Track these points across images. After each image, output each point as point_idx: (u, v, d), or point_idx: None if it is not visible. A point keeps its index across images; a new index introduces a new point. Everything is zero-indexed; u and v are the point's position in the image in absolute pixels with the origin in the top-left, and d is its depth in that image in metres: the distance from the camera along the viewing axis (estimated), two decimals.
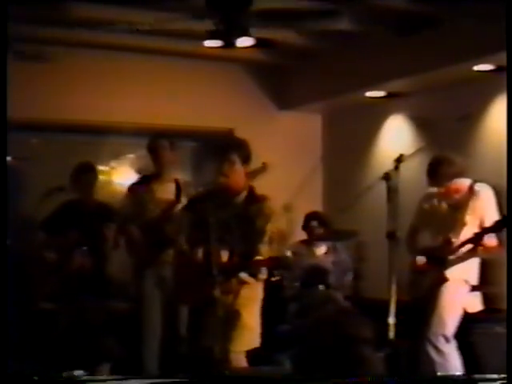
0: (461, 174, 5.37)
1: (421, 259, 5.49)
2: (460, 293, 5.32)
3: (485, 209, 5.30)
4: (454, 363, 5.19)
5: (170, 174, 5.89)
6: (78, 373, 3.85)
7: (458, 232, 5.28)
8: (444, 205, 5.45)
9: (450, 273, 5.30)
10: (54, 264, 5.91)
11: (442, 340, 5.21)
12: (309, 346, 2.28)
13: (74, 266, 5.90)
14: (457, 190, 5.38)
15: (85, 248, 5.92)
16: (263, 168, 5.04)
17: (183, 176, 6.11)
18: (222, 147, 4.98)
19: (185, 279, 4.98)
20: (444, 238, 5.32)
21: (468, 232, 5.26)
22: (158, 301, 5.75)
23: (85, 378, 2.92)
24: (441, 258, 5.29)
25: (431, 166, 5.42)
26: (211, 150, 5.49)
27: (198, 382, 2.80)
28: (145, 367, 5.69)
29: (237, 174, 4.82)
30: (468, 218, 5.30)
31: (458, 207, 5.35)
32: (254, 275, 4.80)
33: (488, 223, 5.19)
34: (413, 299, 5.45)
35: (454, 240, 5.26)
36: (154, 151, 5.88)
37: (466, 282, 5.34)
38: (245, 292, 4.81)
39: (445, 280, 5.27)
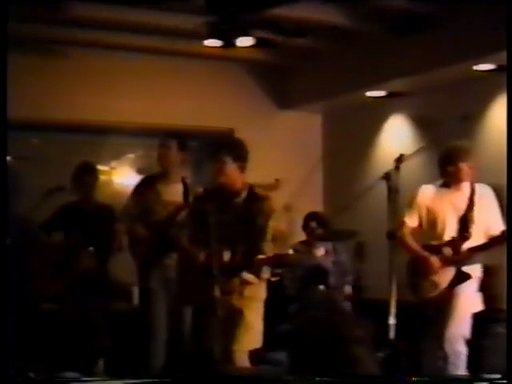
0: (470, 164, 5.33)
1: (434, 259, 5.39)
2: (474, 291, 5.28)
3: (487, 210, 5.29)
4: (464, 363, 5.15)
5: (177, 174, 5.86)
6: (73, 374, 3.86)
7: (463, 233, 5.27)
8: (447, 204, 5.40)
9: (467, 270, 5.26)
10: (59, 265, 5.88)
11: (460, 340, 5.15)
12: (304, 346, 2.28)
13: (80, 267, 5.87)
14: (458, 189, 5.35)
15: (91, 249, 5.90)
16: (276, 184, 5.10)
17: (188, 175, 6.08)
18: (213, 148, 5.00)
19: (187, 280, 4.99)
20: (453, 238, 5.28)
21: (473, 233, 5.26)
22: (163, 302, 5.74)
23: (86, 378, 2.93)
24: (454, 259, 5.25)
25: (444, 154, 5.37)
26: (206, 150, 5.50)
27: (198, 382, 2.80)
28: (148, 367, 5.68)
29: (230, 174, 4.84)
30: (471, 219, 5.28)
31: (462, 207, 5.32)
32: (256, 274, 4.81)
33: (491, 225, 5.20)
34: (425, 300, 5.37)
35: (461, 241, 5.24)
36: (162, 151, 5.85)
37: (479, 279, 5.30)
38: (248, 292, 4.82)
39: (467, 278, 5.20)
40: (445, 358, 5.11)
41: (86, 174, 6.06)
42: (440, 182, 5.40)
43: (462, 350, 5.14)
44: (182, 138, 5.93)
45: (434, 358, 5.23)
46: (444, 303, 5.22)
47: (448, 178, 5.34)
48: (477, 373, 5.10)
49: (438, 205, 5.36)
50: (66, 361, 5.21)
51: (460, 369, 5.07)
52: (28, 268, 5.83)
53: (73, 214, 6.00)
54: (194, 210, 5.08)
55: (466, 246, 5.23)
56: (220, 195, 4.88)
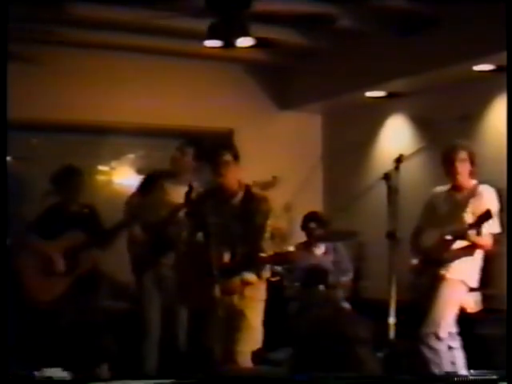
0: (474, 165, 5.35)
1: (415, 260, 5.48)
2: (455, 293, 5.30)
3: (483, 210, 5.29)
4: (446, 360, 5.18)
5: (185, 178, 5.88)
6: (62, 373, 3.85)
7: (454, 231, 5.28)
8: (449, 203, 5.41)
9: (447, 273, 5.30)
10: (60, 266, 5.86)
11: (433, 338, 5.20)
12: (304, 346, 2.29)
13: (84, 268, 5.85)
14: (461, 188, 5.35)
15: (92, 250, 5.88)
16: (273, 181, 5.11)
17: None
18: (215, 148, 5.01)
19: (187, 281, 5.00)
20: (440, 237, 5.31)
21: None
22: (158, 301, 5.75)
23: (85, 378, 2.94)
24: (435, 259, 5.29)
25: (444, 153, 5.39)
26: (205, 151, 5.52)
27: (198, 382, 2.81)
28: (145, 368, 5.69)
29: (232, 173, 4.86)
30: (467, 218, 5.28)
31: (460, 206, 5.33)
32: (257, 274, 4.82)
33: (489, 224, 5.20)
34: (411, 299, 5.44)
35: (448, 238, 5.26)
36: (177, 154, 5.87)
37: (463, 282, 5.32)
38: (248, 292, 4.83)
39: (442, 279, 5.26)
40: (423, 356, 5.16)
41: (70, 178, 6.02)
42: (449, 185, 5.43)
43: (439, 347, 5.17)
44: (199, 146, 5.95)
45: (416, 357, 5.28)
46: (423, 303, 5.28)
47: (449, 176, 5.37)
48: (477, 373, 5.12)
49: (441, 206, 5.40)
50: (66, 361, 5.20)
51: (441, 366, 5.11)
52: (27, 268, 5.84)
53: (58, 216, 5.96)
54: (192, 211, 5.09)
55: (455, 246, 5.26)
56: (218, 196, 4.90)
